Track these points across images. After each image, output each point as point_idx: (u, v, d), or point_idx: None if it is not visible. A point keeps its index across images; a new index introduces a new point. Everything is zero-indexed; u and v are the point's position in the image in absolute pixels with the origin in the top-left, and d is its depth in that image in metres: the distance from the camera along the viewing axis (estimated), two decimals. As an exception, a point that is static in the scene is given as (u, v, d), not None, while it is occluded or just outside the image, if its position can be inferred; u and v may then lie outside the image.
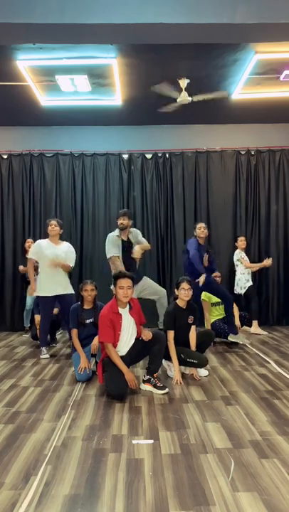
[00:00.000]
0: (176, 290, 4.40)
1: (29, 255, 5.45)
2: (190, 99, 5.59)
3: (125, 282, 3.81)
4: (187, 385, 3.97)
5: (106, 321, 3.77)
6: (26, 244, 6.80)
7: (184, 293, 4.29)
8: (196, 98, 5.62)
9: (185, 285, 4.30)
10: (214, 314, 5.93)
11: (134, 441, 2.76)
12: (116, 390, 3.61)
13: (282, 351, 5.32)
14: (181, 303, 4.35)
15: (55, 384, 4.09)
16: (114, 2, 3.75)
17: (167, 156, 7.44)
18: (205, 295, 5.88)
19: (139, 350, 3.94)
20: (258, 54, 4.95)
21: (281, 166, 7.45)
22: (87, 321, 4.48)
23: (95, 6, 3.76)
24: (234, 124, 7.44)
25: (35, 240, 6.47)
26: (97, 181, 7.42)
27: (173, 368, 4.22)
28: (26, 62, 5.09)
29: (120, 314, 3.83)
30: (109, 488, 2.21)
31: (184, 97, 5.57)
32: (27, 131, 7.43)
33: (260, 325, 7.07)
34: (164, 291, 5.48)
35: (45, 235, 7.33)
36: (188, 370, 4.33)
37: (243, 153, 7.46)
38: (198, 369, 4.29)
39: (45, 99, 6.26)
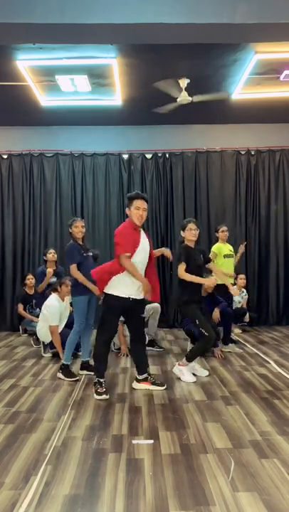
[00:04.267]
0: (182, 232, 4.38)
1: None
2: (190, 99, 5.59)
3: (141, 203, 3.70)
4: (187, 385, 3.97)
5: (126, 234, 3.65)
6: (49, 255, 6.27)
7: (190, 233, 4.29)
8: (196, 99, 5.62)
9: (192, 225, 4.31)
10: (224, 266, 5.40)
11: (134, 441, 2.76)
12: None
13: (282, 351, 5.32)
14: (190, 243, 4.34)
15: (55, 384, 4.09)
16: (114, 2, 3.75)
17: (167, 156, 7.45)
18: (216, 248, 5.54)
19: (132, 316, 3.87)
20: (258, 54, 4.95)
21: (281, 166, 7.45)
22: (89, 254, 4.40)
23: (95, 6, 3.75)
24: (234, 124, 7.44)
25: (56, 249, 6.47)
26: (97, 181, 7.42)
27: (186, 373, 4.13)
28: (26, 62, 5.09)
29: (139, 231, 3.75)
30: (109, 488, 2.21)
31: (184, 97, 5.57)
32: (27, 131, 7.42)
33: (260, 325, 7.08)
34: (158, 305, 5.38)
35: (45, 235, 7.38)
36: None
37: (243, 153, 7.45)
38: (198, 369, 4.29)
39: (45, 99, 6.26)
